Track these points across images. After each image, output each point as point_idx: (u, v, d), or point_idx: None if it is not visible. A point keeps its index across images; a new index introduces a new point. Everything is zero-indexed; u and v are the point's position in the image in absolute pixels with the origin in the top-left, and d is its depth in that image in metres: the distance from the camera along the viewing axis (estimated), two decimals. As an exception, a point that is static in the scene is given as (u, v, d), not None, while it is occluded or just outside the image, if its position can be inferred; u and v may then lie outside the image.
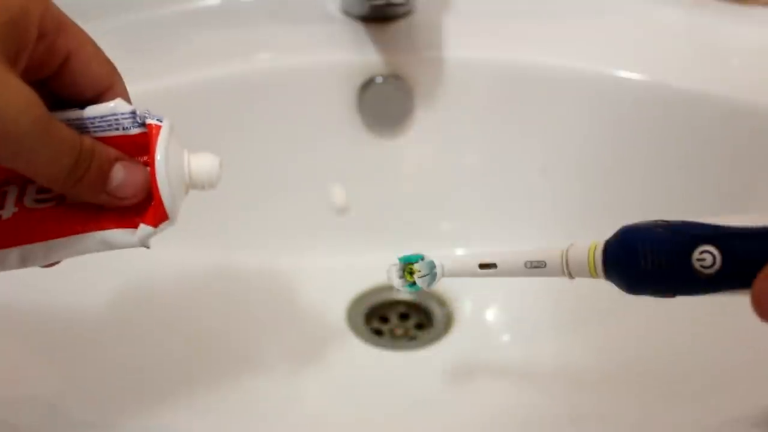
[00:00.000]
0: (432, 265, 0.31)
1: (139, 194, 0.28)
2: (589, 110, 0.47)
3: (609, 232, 0.51)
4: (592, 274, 0.28)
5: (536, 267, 0.30)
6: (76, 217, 0.28)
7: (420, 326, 0.47)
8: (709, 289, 0.24)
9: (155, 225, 0.28)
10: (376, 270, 0.49)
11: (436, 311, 0.48)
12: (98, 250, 0.28)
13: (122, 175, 0.27)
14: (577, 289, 0.46)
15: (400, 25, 0.49)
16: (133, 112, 0.28)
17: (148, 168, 0.28)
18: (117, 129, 0.28)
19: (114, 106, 0.28)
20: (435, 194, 0.51)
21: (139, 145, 0.28)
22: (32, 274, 0.30)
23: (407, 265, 0.32)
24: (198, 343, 0.43)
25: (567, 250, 0.29)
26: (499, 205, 0.50)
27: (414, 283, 0.32)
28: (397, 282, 0.32)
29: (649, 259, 0.25)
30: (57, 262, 0.29)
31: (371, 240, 0.49)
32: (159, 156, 0.28)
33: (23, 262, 0.28)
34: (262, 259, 0.48)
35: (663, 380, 0.39)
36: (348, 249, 0.49)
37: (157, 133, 0.28)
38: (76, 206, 0.28)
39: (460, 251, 0.50)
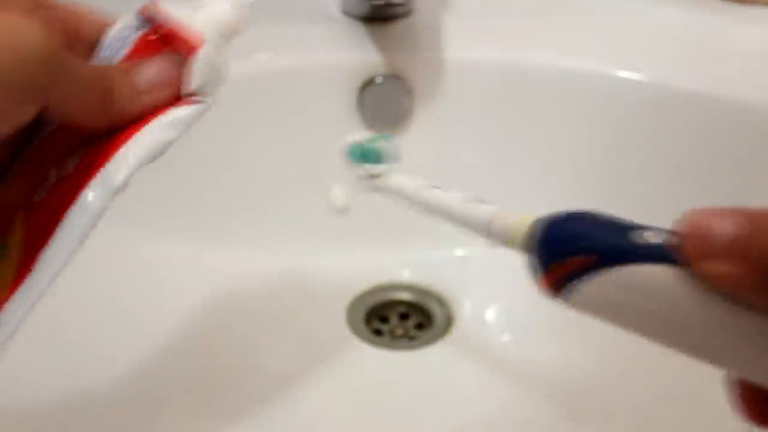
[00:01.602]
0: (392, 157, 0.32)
1: (173, 73, 0.26)
2: (589, 110, 0.47)
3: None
4: (512, 238, 0.27)
5: (472, 201, 0.29)
6: (130, 128, 0.26)
7: (420, 326, 0.47)
8: (649, 252, 0.21)
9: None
10: (376, 270, 0.50)
11: (436, 311, 0.48)
12: (168, 138, 0.26)
13: (145, 69, 0.26)
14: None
15: (400, 25, 0.50)
16: (128, 24, 0.27)
17: (172, 48, 0.26)
18: (124, 45, 0.27)
19: (109, 31, 0.27)
20: (435, 194, 0.50)
21: (151, 43, 0.27)
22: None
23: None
24: (196, 342, 0.43)
25: (501, 212, 0.28)
26: (499, 204, 0.50)
27: (367, 148, 0.31)
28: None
29: (600, 221, 0.23)
30: None
31: (371, 240, 0.49)
32: (155, 9, 0.27)
33: (102, 190, 0.25)
34: (261, 259, 0.48)
35: (663, 380, 0.39)
36: (348, 249, 0.49)
37: (147, 6, 0.27)
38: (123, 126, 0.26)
39: (459, 251, 0.50)
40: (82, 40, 0.28)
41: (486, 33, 0.49)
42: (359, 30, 0.49)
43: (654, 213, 0.50)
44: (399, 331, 0.47)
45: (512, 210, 0.28)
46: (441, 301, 0.48)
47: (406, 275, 0.50)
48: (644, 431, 0.38)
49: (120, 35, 0.28)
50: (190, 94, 0.26)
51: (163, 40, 0.27)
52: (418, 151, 0.50)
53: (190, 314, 0.45)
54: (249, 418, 0.40)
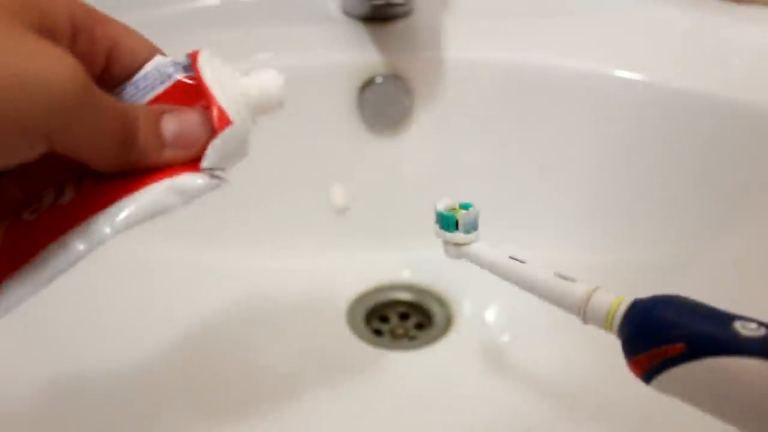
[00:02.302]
0: (473, 226, 0.32)
1: (201, 137, 0.25)
2: (588, 110, 0.47)
3: (608, 232, 0.51)
4: (607, 322, 0.27)
5: (564, 279, 0.29)
6: (137, 179, 0.25)
7: (420, 326, 0.47)
8: (744, 345, 0.22)
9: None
10: (376, 270, 0.50)
11: (436, 311, 0.48)
12: (171, 204, 0.25)
13: (174, 123, 0.25)
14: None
15: (400, 25, 0.50)
16: (174, 61, 0.26)
17: (204, 106, 0.25)
18: (163, 82, 0.26)
19: (154, 61, 0.27)
20: (435, 194, 0.50)
21: (190, 88, 0.26)
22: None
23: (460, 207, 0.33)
24: (196, 342, 0.43)
25: (594, 291, 0.28)
26: (499, 204, 0.50)
27: (448, 216, 0.32)
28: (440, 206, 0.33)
29: (687, 306, 0.24)
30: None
31: (371, 240, 0.49)
32: (203, 67, 0.26)
33: (90, 241, 0.24)
34: (261, 259, 0.48)
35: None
36: (348, 249, 0.49)
37: (197, 53, 0.27)
38: (137, 173, 0.25)
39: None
40: (119, 62, 0.27)
41: (486, 33, 0.49)
42: (359, 30, 0.49)
43: (654, 213, 0.50)
44: (399, 331, 0.47)
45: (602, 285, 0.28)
46: (441, 301, 0.48)
47: (406, 275, 0.50)
48: (643, 431, 0.38)
49: (164, 69, 0.27)
50: (207, 168, 0.26)
51: (201, 90, 0.26)
52: (418, 151, 0.50)
53: (190, 314, 0.45)
54: (249, 418, 0.40)
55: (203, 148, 0.26)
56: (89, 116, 0.23)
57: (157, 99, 0.27)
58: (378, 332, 0.47)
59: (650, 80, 0.46)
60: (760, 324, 0.22)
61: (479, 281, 0.49)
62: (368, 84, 0.48)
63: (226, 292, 0.46)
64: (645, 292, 0.46)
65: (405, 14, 0.50)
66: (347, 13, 0.50)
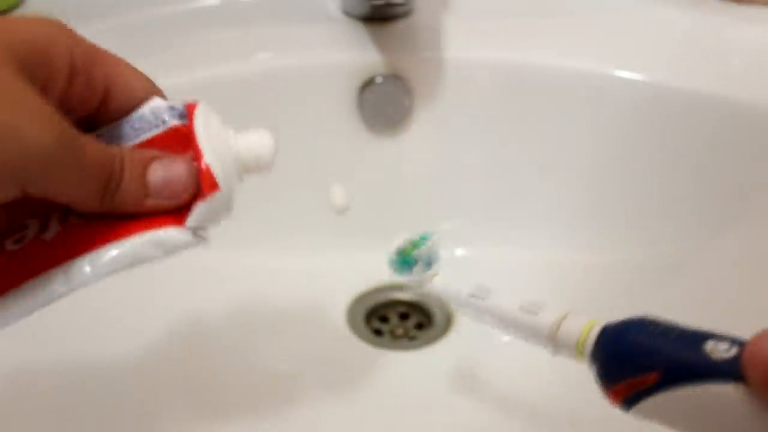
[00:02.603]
0: (432, 259, 0.31)
1: (187, 188, 0.25)
2: (588, 110, 0.47)
3: (607, 231, 0.51)
4: (578, 350, 0.27)
5: (529, 312, 0.28)
6: (121, 225, 0.25)
7: (420, 326, 0.47)
8: (716, 370, 0.22)
9: (205, 196, 0.25)
10: (376, 270, 0.49)
11: (436, 311, 0.48)
12: (152, 256, 0.26)
13: (161, 173, 0.25)
14: (577, 290, 0.46)
15: (400, 25, 0.49)
16: (171, 106, 0.26)
17: (193, 158, 0.25)
18: (157, 126, 0.26)
19: (152, 102, 0.27)
20: (435, 194, 0.51)
21: (183, 136, 0.26)
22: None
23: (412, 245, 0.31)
24: (196, 342, 0.43)
25: (563, 319, 0.27)
26: (499, 204, 0.50)
27: (406, 262, 0.31)
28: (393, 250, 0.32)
29: (657, 331, 0.24)
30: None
31: (371, 240, 0.49)
32: (197, 121, 0.26)
33: (69, 284, 0.25)
34: (261, 259, 0.48)
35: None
36: (348, 249, 0.49)
37: (194, 108, 0.26)
38: (122, 217, 0.25)
39: (459, 251, 0.50)
40: (116, 100, 0.27)
41: (486, 33, 0.49)
42: (359, 30, 0.49)
43: (653, 213, 0.50)
44: (399, 331, 0.47)
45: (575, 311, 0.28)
46: (441, 301, 0.48)
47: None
48: None
49: (159, 113, 0.27)
50: (191, 227, 0.26)
51: (192, 144, 0.26)
52: (418, 151, 0.50)
53: (189, 314, 0.44)
54: (249, 418, 0.40)
55: (188, 200, 0.26)
56: (68, 171, 0.23)
57: (150, 142, 0.27)
58: (378, 332, 0.47)
59: (650, 80, 0.46)
60: (732, 342, 0.22)
61: (479, 281, 0.49)
62: (368, 84, 0.48)
63: (225, 292, 0.46)
64: (643, 292, 0.46)
65: (405, 14, 0.50)
66: (347, 13, 0.50)
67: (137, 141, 0.27)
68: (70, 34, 0.25)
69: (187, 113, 0.27)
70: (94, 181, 0.24)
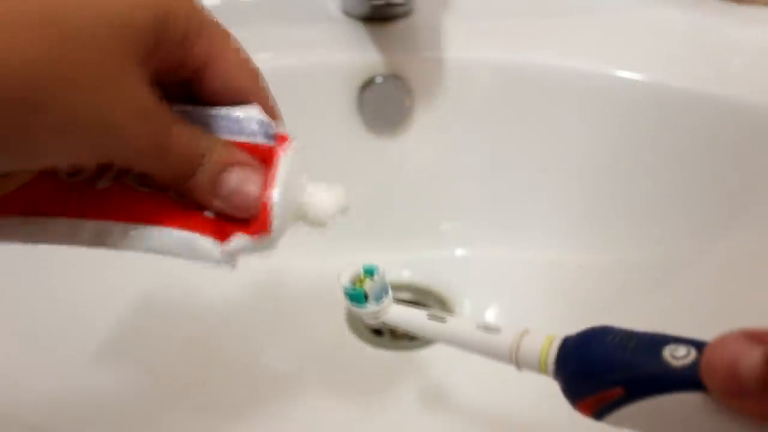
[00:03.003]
0: (383, 290, 0.31)
1: (250, 207, 0.26)
2: (588, 110, 0.47)
3: (607, 232, 0.51)
4: (542, 366, 0.27)
5: (488, 331, 0.28)
6: (168, 210, 0.26)
7: (420, 326, 0.47)
8: (676, 380, 0.22)
9: (252, 234, 0.25)
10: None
11: (436, 311, 0.48)
12: (179, 254, 0.26)
13: (236, 181, 0.25)
14: (576, 289, 0.46)
15: (400, 25, 0.49)
16: (263, 122, 0.26)
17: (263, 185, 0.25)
18: (242, 134, 0.26)
19: (246, 109, 0.26)
20: (435, 194, 0.51)
21: (261, 158, 0.26)
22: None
23: (365, 275, 0.31)
24: (197, 341, 0.43)
25: (522, 336, 0.27)
26: (499, 204, 0.50)
27: (356, 292, 0.30)
28: (345, 282, 0.31)
29: (616, 342, 0.24)
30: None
31: (371, 240, 0.49)
32: (287, 155, 0.26)
33: (96, 240, 0.25)
34: (261, 259, 0.48)
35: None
36: (348, 249, 0.49)
37: (284, 143, 0.26)
38: (176, 201, 0.26)
39: (460, 251, 0.50)
40: (209, 84, 0.26)
41: (486, 33, 0.49)
42: (359, 30, 0.49)
43: (654, 212, 0.50)
44: (399, 331, 0.47)
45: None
46: (441, 301, 0.48)
47: (406, 275, 0.50)
48: None
49: (248, 124, 0.27)
50: (227, 251, 0.26)
51: (267, 172, 0.26)
52: (418, 151, 0.50)
53: (190, 314, 0.45)
54: (249, 418, 0.40)
55: (249, 216, 0.26)
56: (156, 160, 0.24)
57: (234, 145, 0.26)
58: (378, 332, 0.47)
59: (650, 80, 0.46)
60: (690, 345, 0.22)
61: (479, 281, 0.49)
62: (368, 84, 0.48)
63: (225, 292, 0.46)
64: (642, 292, 0.46)
65: (405, 14, 0.50)
66: (347, 13, 0.50)
67: (229, 138, 0.26)
68: (189, 1, 0.25)
69: (273, 136, 0.26)
70: (177, 168, 0.25)
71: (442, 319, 0.30)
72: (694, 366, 0.21)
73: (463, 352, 0.44)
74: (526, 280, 0.47)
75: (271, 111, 0.28)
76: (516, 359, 0.27)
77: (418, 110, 0.49)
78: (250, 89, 0.27)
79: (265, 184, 0.25)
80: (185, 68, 0.26)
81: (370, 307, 0.31)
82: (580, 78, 0.47)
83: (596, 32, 0.49)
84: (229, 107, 0.26)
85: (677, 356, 0.22)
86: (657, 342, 0.23)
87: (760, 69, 0.46)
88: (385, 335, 0.47)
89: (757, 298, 0.41)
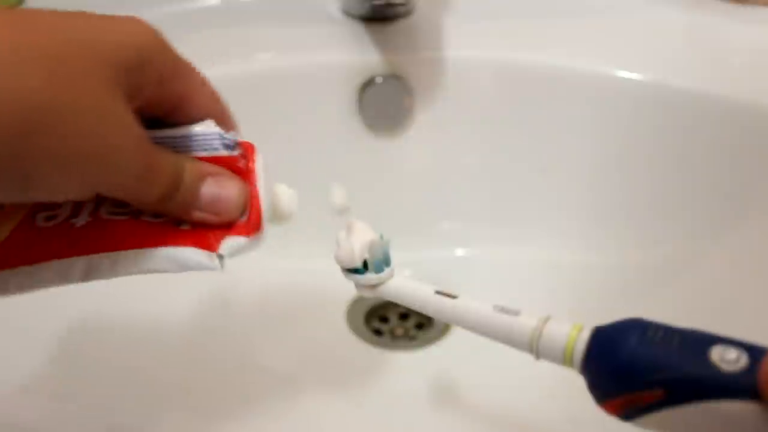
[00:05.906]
0: (384, 260, 0.28)
1: (232, 212, 0.27)
2: (589, 110, 0.47)
3: (607, 232, 0.51)
4: (566, 358, 0.24)
5: (507, 313, 0.26)
6: (149, 232, 0.27)
7: (420, 326, 0.47)
8: (727, 387, 0.20)
9: (249, 234, 0.27)
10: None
11: (436, 311, 0.48)
12: (168, 270, 0.27)
13: (214, 190, 0.27)
14: (577, 289, 0.46)
15: (400, 25, 0.49)
16: (221, 134, 0.27)
17: (243, 181, 0.27)
18: (205, 149, 0.27)
19: (202, 125, 0.27)
20: (435, 194, 0.51)
21: (231, 168, 0.28)
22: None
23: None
24: (197, 342, 0.43)
25: (545, 322, 0.25)
26: (499, 204, 0.50)
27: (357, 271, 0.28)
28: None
29: (658, 338, 0.21)
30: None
31: (371, 240, 0.49)
32: (258, 164, 0.28)
33: (87, 274, 0.26)
34: (261, 259, 0.48)
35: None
36: (348, 249, 0.49)
37: (253, 151, 0.28)
38: (153, 222, 0.27)
39: (460, 251, 0.50)
40: (184, 115, 0.28)
41: (486, 33, 0.49)
42: (359, 30, 0.49)
43: (654, 213, 0.50)
44: (399, 331, 0.47)
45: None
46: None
47: (405, 275, 0.49)
48: None
49: (208, 139, 0.28)
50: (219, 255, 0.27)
51: (244, 175, 0.28)
52: (418, 151, 0.50)
53: (190, 314, 0.45)
54: (249, 418, 0.40)
55: (232, 221, 0.27)
56: (143, 184, 0.25)
57: (202, 160, 0.28)
58: (378, 332, 0.47)
59: (650, 80, 0.46)
60: (740, 348, 0.20)
61: (479, 281, 0.49)
62: (368, 84, 0.48)
63: (225, 291, 0.46)
64: (643, 292, 0.46)
65: (405, 14, 0.50)
66: (347, 14, 0.50)
67: (192, 154, 0.28)
68: (164, 45, 0.26)
69: (235, 146, 0.28)
70: (161, 189, 0.26)
71: (452, 297, 0.27)
72: (748, 373, 0.19)
73: (463, 352, 0.45)
74: (527, 280, 0.47)
75: (229, 123, 0.29)
76: (536, 348, 0.25)
77: (418, 110, 0.49)
78: (218, 115, 0.29)
79: (252, 187, 0.27)
80: (162, 107, 0.27)
81: (369, 277, 0.28)
82: (580, 78, 0.47)
83: (596, 32, 0.49)
84: (185, 127, 0.28)
85: (728, 360, 0.20)
86: (703, 341, 0.21)
87: (760, 69, 0.46)
88: (384, 335, 0.47)
89: (759, 298, 0.41)
